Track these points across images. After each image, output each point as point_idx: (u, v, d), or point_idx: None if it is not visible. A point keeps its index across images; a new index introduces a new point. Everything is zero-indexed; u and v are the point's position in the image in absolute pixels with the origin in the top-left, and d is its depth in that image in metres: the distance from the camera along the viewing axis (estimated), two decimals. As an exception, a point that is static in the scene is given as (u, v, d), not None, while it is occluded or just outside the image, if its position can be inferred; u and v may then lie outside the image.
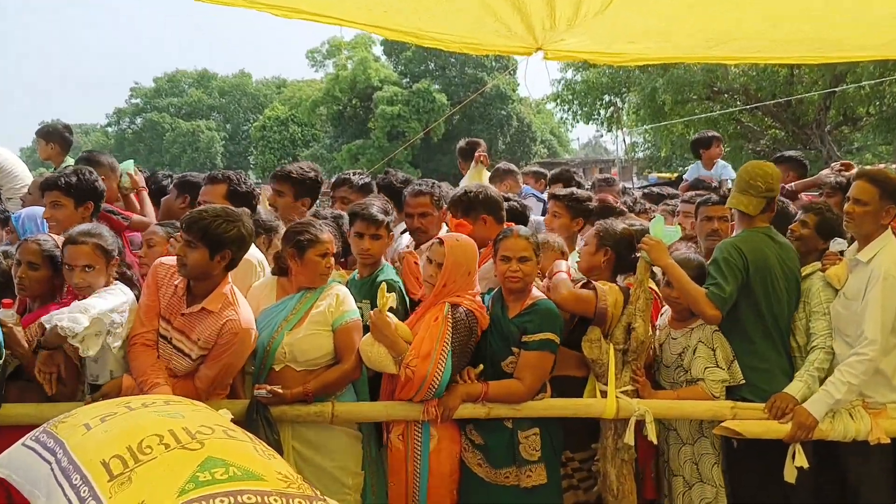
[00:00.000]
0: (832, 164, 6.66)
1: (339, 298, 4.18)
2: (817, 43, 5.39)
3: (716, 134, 8.70)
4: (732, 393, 4.29)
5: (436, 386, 4.00)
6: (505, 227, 4.66)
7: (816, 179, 6.47)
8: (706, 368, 4.27)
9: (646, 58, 6.48)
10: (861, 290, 4.15)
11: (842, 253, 4.45)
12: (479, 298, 4.20)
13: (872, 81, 20.09)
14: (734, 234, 4.57)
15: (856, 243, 4.35)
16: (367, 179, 5.89)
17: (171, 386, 3.81)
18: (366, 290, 4.46)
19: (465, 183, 6.55)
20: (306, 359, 4.11)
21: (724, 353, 4.30)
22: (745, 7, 4.63)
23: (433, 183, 5.21)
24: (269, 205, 5.44)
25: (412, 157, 43.01)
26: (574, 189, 5.61)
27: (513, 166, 7.67)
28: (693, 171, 8.55)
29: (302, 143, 53.22)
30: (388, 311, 4.06)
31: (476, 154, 7.17)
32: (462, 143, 7.73)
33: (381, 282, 4.28)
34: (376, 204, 4.64)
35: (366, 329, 4.17)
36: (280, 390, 3.98)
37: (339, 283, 4.40)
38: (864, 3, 4.46)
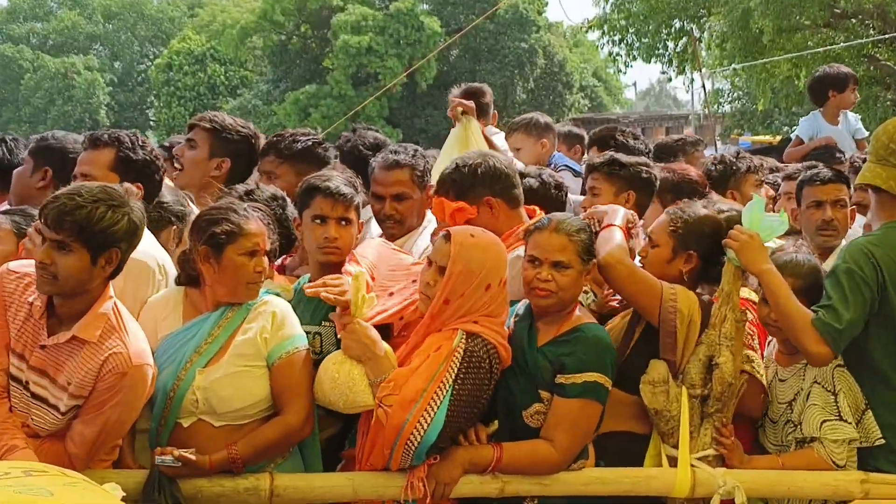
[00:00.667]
0: None
1: (275, 319, 4.21)
2: None
3: (851, 71, 8.67)
4: (864, 460, 4.30)
5: (415, 444, 3.98)
6: (535, 215, 4.74)
7: None
8: (824, 422, 4.28)
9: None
10: None
11: None
12: (504, 326, 4.27)
13: None
14: (864, 228, 4.57)
15: None
16: (309, 143, 5.85)
17: (34, 449, 3.80)
18: (325, 309, 4.49)
19: (449, 151, 6.44)
20: (229, 409, 4.12)
21: (851, 399, 4.32)
22: None
23: (416, 151, 5.27)
24: (176, 167, 5.57)
25: (389, 112, 43.27)
26: (613, 153, 5.67)
27: (543, 117, 7.84)
28: (807, 126, 8.55)
29: (226, 89, 53.38)
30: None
31: (450, 100, 6.97)
32: (457, 90, 7.70)
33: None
34: (339, 176, 4.72)
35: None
36: (192, 456, 3.95)
37: (279, 296, 4.43)
38: None
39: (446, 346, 4.04)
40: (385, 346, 4.13)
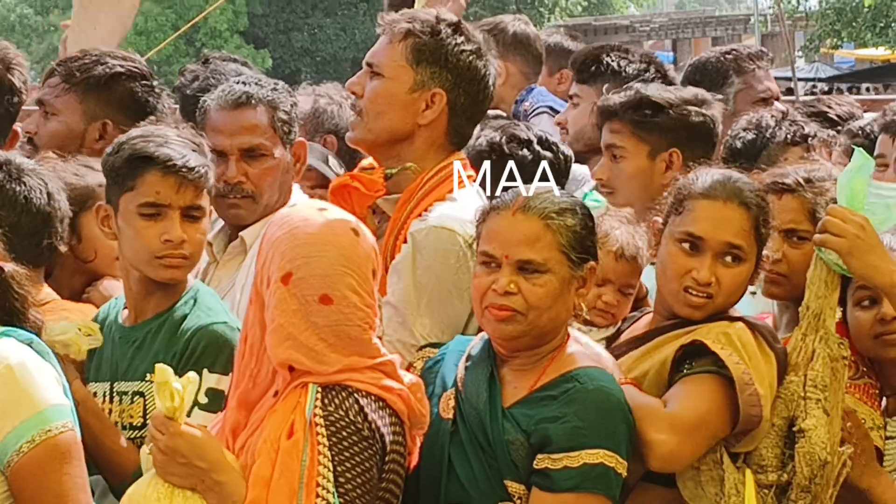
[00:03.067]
0: None
1: (5, 386, 3.99)
2: None
3: None
4: None
5: None
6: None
7: None
8: None
9: None
10: None
11: None
12: (403, 371, 4.17)
13: None
14: None
15: None
16: (121, 70, 5.86)
17: None
18: (153, 352, 4.50)
19: None
20: None
21: None
22: None
23: (277, 85, 5.33)
24: None
25: (248, 22, 43.24)
26: (635, 88, 5.67)
27: (516, 23, 7.89)
28: None
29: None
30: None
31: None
32: None
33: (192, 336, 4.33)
34: (180, 136, 4.65)
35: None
36: None
37: (20, 342, 4.17)
38: None
39: (299, 421, 3.86)
40: (229, 459, 3.99)
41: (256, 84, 5.20)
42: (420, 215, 4.76)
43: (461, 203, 4.59)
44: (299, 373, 3.93)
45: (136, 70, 5.84)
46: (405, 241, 4.74)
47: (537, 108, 7.44)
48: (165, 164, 4.45)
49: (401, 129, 4.88)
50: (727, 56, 7.41)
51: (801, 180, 4.59)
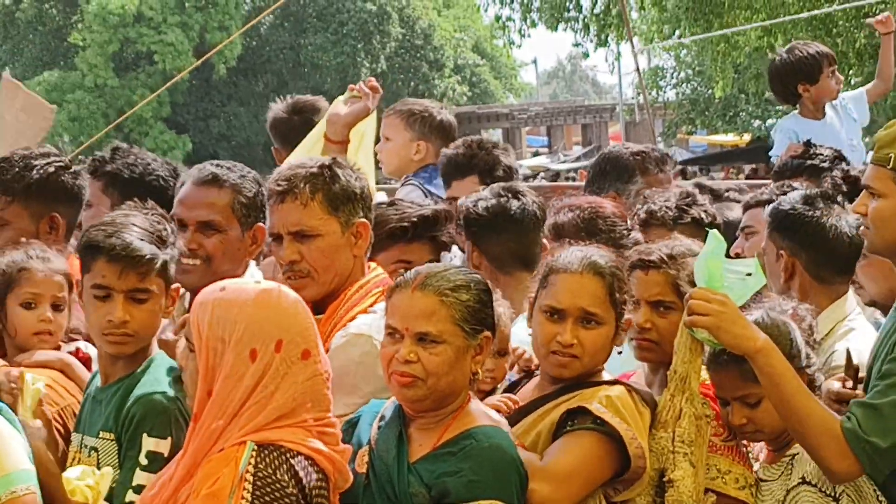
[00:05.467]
0: None
1: None
2: None
3: (825, 50, 8.91)
4: None
5: None
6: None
7: None
8: None
9: None
10: None
11: None
12: (334, 428, 4.31)
13: None
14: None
15: None
16: (50, 171, 5.94)
17: None
18: (109, 410, 4.67)
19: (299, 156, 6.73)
20: None
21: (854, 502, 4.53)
22: None
23: (247, 174, 5.48)
24: None
25: (171, 110, 43.03)
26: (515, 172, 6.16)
27: (442, 113, 8.13)
28: (785, 131, 8.75)
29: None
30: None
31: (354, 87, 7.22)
32: (281, 107, 7.74)
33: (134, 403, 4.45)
34: (136, 225, 4.80)
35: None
36: None
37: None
38: None
39: (228, 475, 4.02)
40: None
41: (228, 169, 5.34)
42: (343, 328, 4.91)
43: (380, 315, 4.59)
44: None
45: (61, 163, 5.93)
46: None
47: (410, 181, 7.70)
48: (109, 252, 4.62)
49: (347, 267, 5.06)
50: (636, 156, 7.51)
51: (665, 256, 4.81)
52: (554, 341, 4.49)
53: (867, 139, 7.87)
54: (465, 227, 5.82)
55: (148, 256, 4.67)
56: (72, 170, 5.98)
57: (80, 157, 6.31)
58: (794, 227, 5.51)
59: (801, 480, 4.54)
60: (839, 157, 6.69)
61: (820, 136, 8.15)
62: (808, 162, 7.23)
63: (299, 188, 5.05)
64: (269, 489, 4.02)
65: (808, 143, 7.78)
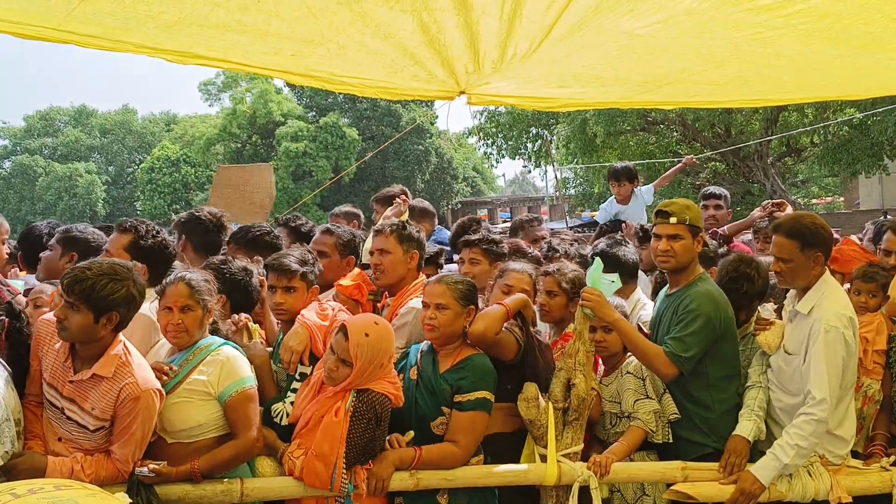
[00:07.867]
0: (764, 203, 6.83)
1: (225, 366, 4.08)
2: (758, 85, 5.51)
3: (625, 167, 8.54)
4: (675, 432, 4.50)
5: (345, 496, 4.03)
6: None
7: (749, 221, 6.63)
8: (636, 401, 4.47)
9: (577, 103, 6.54)
10: (802, 343, 4.28)
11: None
12: (394, 374, 4.21)
13: (814, 108, 20.74)
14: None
15: (794, 292, 4.52)
16: (257, 234, 5.59)
17: (81, 463, 3.80)
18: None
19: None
20: (173, 429, 4.01)
21: (655, 384, 4.50)
22: (682, 50, 4.71)
23: (342, 227, 5.43)
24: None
25: (320, 199, 43.01)
26: (488, 233, 5.81)
27: (429, 206, 7.75)
28: (605, 208, 8.46)
29: (196, 185, 52.63)
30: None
31: (396, 200, 7.11)
32: (380, 195, 7.65)
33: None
34: (293, 254, 4.63)
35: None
36: (163, 468, 3.86)
37: (233, 347, 4.26)
38: (805, 44, 4.61)
39: (342, 408, 4.02)
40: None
41: (334, 225, 5.21)
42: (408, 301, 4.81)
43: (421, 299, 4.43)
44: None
45: (265, 230, 5.62)
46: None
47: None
48: (271, 265, 4.60)
49: (403, 272, 4.94)
50: (524, 220, 7.35)
51: (555, 269, 4.69)
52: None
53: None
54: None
55: (293, 267, 4.51)
56: (271, 233, 5.61)
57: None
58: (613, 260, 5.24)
59: (626, 373, 4.54)
60: (641, 227, 6.49)
61: (626, 212, 8.00)
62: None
63: (385, 231, 5.01)
64: (360, 416, 4.02)
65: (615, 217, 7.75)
